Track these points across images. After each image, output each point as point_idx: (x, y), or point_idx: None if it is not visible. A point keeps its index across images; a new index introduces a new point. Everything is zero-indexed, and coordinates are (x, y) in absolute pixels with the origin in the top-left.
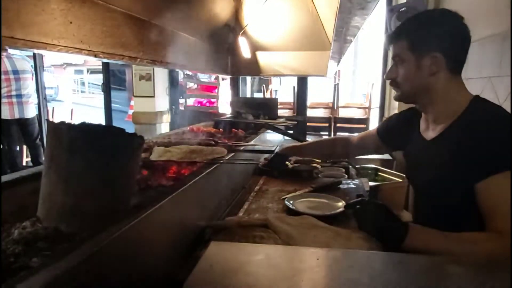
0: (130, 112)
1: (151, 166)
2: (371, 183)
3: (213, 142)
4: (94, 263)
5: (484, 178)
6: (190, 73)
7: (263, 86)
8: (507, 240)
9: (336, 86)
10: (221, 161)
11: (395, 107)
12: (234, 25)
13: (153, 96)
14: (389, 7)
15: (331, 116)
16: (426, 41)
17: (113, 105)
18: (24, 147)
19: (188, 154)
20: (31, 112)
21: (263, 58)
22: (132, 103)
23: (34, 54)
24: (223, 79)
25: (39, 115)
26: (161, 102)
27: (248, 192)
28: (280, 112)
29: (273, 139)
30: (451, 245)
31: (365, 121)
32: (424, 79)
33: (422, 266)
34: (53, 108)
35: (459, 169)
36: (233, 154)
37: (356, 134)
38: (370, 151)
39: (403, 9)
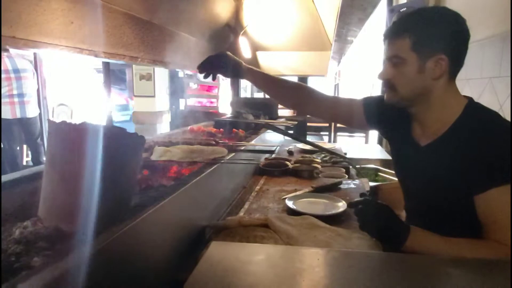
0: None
1: (151, 166)
2: (371, 183)
3: (214, 142)
4: (95, 263)
5: (484, 190)
6: (190, 73)
7: None
8: (506, 250)
9: (336, 86)
10: (222, 161)
11: None
12: (235, 25)
13: (153, 96)
14: (390, 7)
15: None
16: (433, 41)
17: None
18: (24, 146)
19: (189, 154)
20: (32, 111)
21: (263, 58)
22: (132, 102)
23: (34, 54)
24: (223, 79)
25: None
26: (161, 102)
27: (249, 192)
28: (280, 112)
29: (273, 139)
30: (452, 250)
31: None
32: (425, 82)
33: (422, 266)
34: (53, 108)
35: (456, 180)
36: (233, 154)
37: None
38: (346, 120)
39: (404, 9)
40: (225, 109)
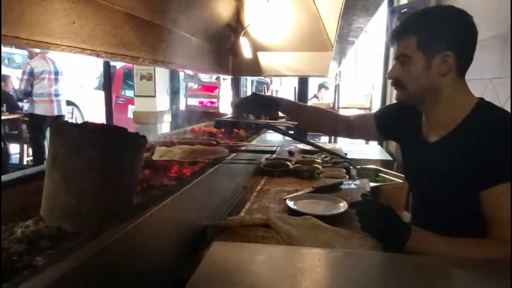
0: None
1: (153, 165)
2: (372, 184)
3: (215, 142)
4: (97, 262)
5: (489, 187)
6: (191, 73)
7: (264, 87)
8: (509, 248)
9: (337, 87)
10: (223, 161)
11: None
12: (236, 26)
13: (154, 96)
14: (391, 8)
15: None
16: (438, 39)
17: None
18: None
19: (190, 154)
20: (64, 109)
21: (264, 59)
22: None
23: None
24: (224, 79)
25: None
26: (162, 101)
27: (250, 192)
28: (281, 113)
29: (274, 139)
30: (454, 250)
31: None
32: (432, 79)
33: (423, 267)
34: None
35: (463, 176)
36: (234, 154)
37: (351, 115)
38: (363, 135)
39: (405, 10)
40: (226, 109)
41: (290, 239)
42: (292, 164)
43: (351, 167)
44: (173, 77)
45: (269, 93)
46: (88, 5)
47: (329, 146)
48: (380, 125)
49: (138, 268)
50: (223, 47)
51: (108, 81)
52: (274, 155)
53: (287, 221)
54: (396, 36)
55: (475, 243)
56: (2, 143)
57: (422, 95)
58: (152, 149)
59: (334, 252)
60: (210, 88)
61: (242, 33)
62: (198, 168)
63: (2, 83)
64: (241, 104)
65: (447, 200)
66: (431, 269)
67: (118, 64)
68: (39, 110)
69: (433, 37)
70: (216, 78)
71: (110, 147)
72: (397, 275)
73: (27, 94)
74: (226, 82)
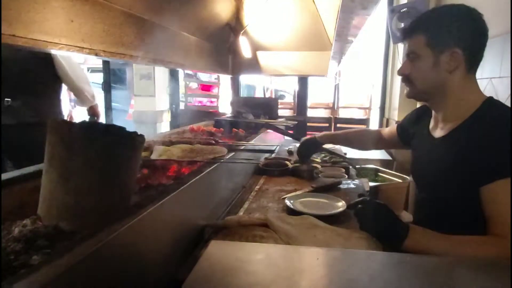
0: (130, 111)
1: (151, 165)
2: (371, 184)
3: (214, 142)
4: (94, 261)
5: (489, 182)
6: (190, 72)
7: (264, 87)
8: (508, 244)
9: (336, 87)
10: (222, 160)
11: (395, 108)
12: (235, 25)
13: (154, 95)
14: (390, 7)
15: (331, 116)
16: (445, 36)
17: (113, 104)
18: None
19: (189, 153)
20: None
21: (263, 58)
22: (132, 102)
23: None
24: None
25: None
26: (162, 101)
27: (248, 192)
28: (280, 112)
29: (273, 139)
30: (452, 248)
31: (365, 121)
32: (441, 75)
33: (422, 266)
34: None
35: (465, 171)
36: (233, 153)
37: (384, 128)
38: (392, 145)
39: (404, 9)
40: (225, 108)
41: (289, 239)
42: (291, 164)
43: (350, 167)
44: (173, 77)
45: (268, 93)
46: (86, 4)
47: (328, 146)
48: (401, 135)
49: (135, 267)
50: (223, 46)
51: (107, 80)
52: (273, 155)
53: (285, 221)
54: (406, 34)
55: (473, 240)
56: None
57: (430, 91)
58: (150, 148)
59: (332, 251)
60: (210, 88)
61: (241, 33)
62: (196, 167)
63: None
64: (299, 153)
65: (449, 196)
66: (430, 269)
67: None
68: None
69: (441, 34)
70: (216, 78)
71: (107, 146)
72: (396, 274)
73: None
74: (225, 81)
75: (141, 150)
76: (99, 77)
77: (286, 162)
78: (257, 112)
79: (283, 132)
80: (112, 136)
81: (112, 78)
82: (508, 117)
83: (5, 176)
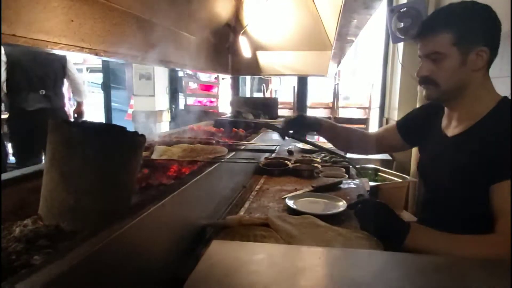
0: (130, 111)
1: (152, 164)
2: (371, 183)
3: (214, 141)
4: (95, 261)
5: (499, 181)
6: (190, 72)
7: (263, 86)
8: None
9: (336, 86)
10: (222, 160)
11: (395, 107)
12: (235, 25)
13: (153, 95)
14: (390, 7)
15: (331, 116)
16: (474, 34)
17: (112, 104)
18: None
19: (189, 153)
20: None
21: (263, 58)
22: (131, 102)
23: None
24: (222, 78)
25: None
26: (161, 101)
27: (249, 191)
28: (280, 112)
29: (273, 138)
30: (453, 246)
31: (365, 121)
32: (467, 75)
33: (424, 266)
34: None
35: (478, 169)
36: (233, 153)
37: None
38: (389, 147)
39: (404, 9)
40: (225, 108)
41: (290, 238)
42: (292, 164)
43: (351, 166)
44: (172, 76)
45: (268, 93)
46: (86, 3)
47: (328, 146)
48: (404, 134)
49: (137, 267)
50: (223, 46)
51: (107, 80)
52: (273, 154)
53: (286, 220)
54: (425, 34)
55: (476, 238)
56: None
57: (454, 91)
58: (151, 148)
59: (334, 250)
60: (209, 87)
61: (241, 32)
62: (197, 167)
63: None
64: (289, 122)
65: (460, 195)
66: (432, 268)
67: None
68: None
69: (469, 33)
70: (215, 77)
71: (108, 145)
72: (398, 274)
73: None
74: (225, 81)
75: (142, 150)
76: (99, 77)
77: (287, 162)
78: (257, 112)
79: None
80: (114, 136)
81: (112, 78)
82: None
83: (5, 176)
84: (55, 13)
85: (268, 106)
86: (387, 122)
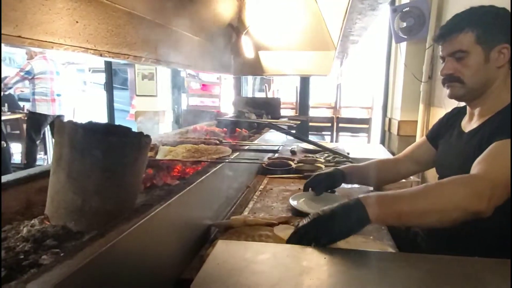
0: (132, 111)
1: (156, 165)
2: None
3: (217, 142)
4: (101, 261)
5: (500, 139)
6: (193, 72)
7: (265, 86)
8: (480, 183)
9: (338, 86)
10: (226, 160)
11: (398, 107)
12: (238, 25)
13: (156, 96)
14: (392, 7)
15: (334, 116)
16: (496, 32)
17: (114, 104)
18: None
19: (193, 153)
20: (65, 109)
21: (266, 58)
22: (134, 102)
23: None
24: (224, 78)
25: None
26: (164, 101)
27: (253, 191)
28: (283, 112)
29: (276, 138)
30: (417, 195)
31: (367, 121)
32: (491, 72)
33: (429, 265)
34: None
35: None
36: (237, 153)
37: (397, 155)
38: (425, 162)
39: (407, 9)
40: (227, 108)
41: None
42: (295, 164)
43: None
44: (175, 77)
45: (270, 93)
46: (90, 5)
47: (331, 146)
48: (434, 143)
49: (143, 267)
50: (225, 46)
51: (110, 81)
52: (276, 154)
53: (291, 229)
54: (448, 34)
55: (439, 185)
56: (4, 142)
57: (479, 88)
58: (155, 148)
59: (339, 250)
60: (212, 87)
61: (244, 33)
62: (201, 167)
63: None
64: (314, 181)
65: None
66: (437, 268)
67: None
68: (41, 109)
69: (491, 31)
70: (218, 78)
71: (114, 146)
72: (403, 274)
73: (9, 89)
74: (227, 81)
75: (148, 150)
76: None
77: (290, 162)
78: (260, 112)
79: (286, 132)
80: (119, 137)
81: (114, 78)
82: None
83: (12, 176)
84: (60, 15)
85: (270, 106)
86: (389, 122)
